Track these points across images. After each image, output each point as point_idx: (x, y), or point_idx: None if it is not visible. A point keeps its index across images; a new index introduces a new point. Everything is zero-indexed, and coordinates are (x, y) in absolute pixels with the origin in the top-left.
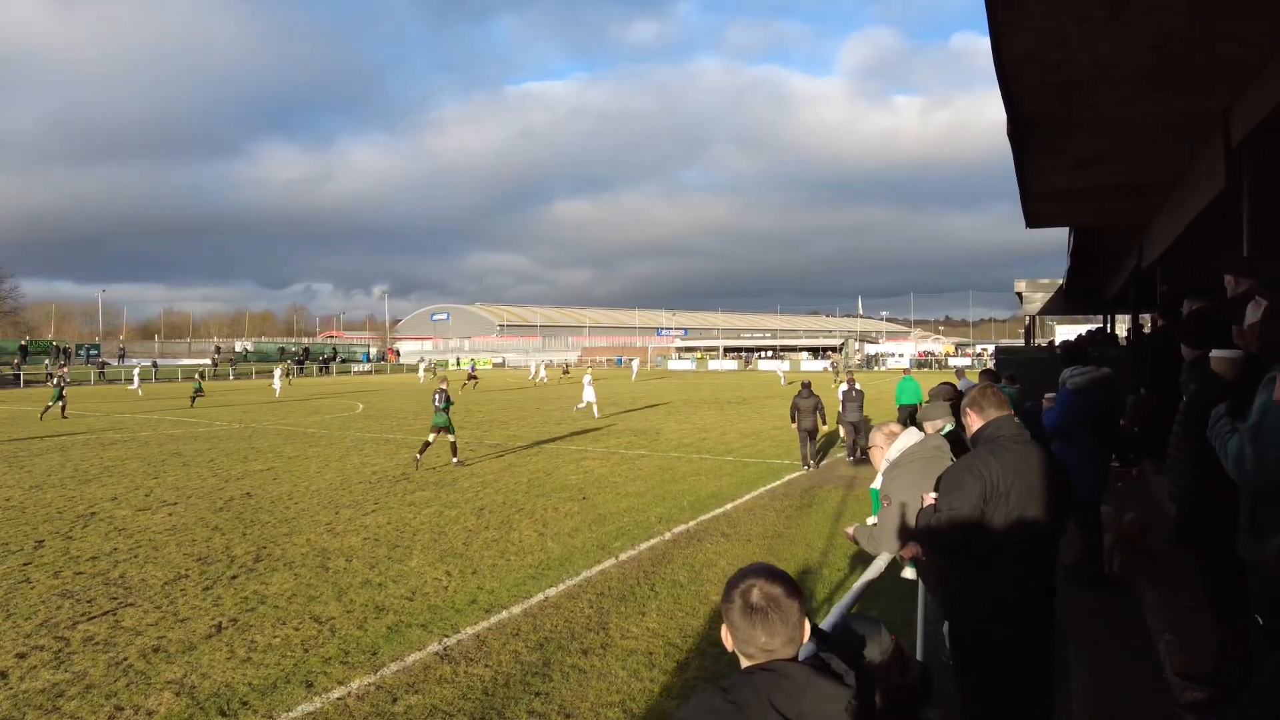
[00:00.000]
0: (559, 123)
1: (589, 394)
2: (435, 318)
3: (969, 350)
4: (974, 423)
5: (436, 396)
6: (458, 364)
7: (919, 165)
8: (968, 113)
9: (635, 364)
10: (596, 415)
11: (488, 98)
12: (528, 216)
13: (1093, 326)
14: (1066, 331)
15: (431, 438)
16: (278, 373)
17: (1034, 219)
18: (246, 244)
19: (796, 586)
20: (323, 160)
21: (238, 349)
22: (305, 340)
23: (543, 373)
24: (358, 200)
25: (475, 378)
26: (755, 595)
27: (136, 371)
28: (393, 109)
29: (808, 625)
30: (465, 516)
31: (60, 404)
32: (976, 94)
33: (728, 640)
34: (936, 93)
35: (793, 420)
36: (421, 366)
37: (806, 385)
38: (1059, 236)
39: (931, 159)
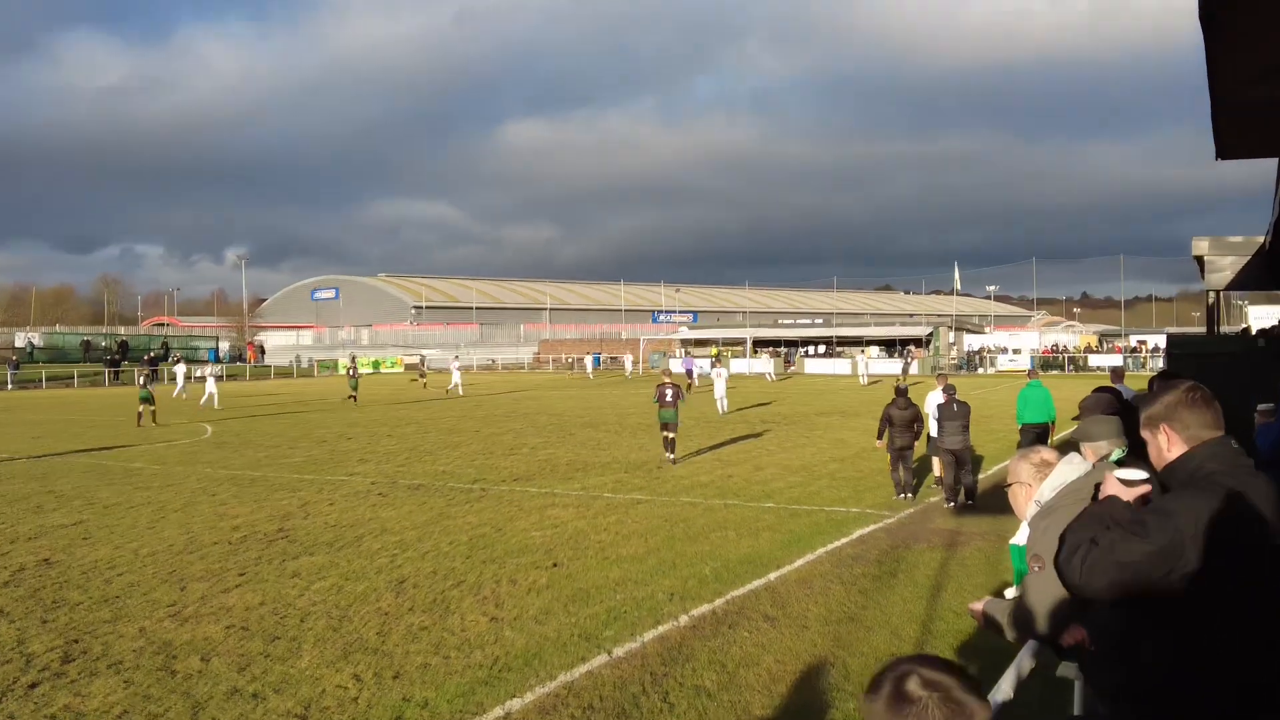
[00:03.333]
0: (511, 3)
1: (719, 388)
2: (318, 295)
3: (1118, 344)
4: (1171, 447)
5: (668, 391)
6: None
7: (1046, 70)
8: None
9: (460, 367)
10: (720, 412)
11: None
12: (462, 145)
13: None
14: (1264, 314)
15: (668, 435)
16: None
17: (1227, 148)
18: (36, 186)
19: (977, 683)
20: (156, 60)
21: (19, 343)
22: (122, 330)
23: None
24: (207, 120)
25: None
26: (914, 686)
27: (210, 370)
28: None
29: None
30: (378, 592)
31: (151, 408)
32: None
33: None
34: None
35: (880, 436)
36: (589, 362)
37: (903, 391)
38: (1260, 173)
39: (1065, 61)
